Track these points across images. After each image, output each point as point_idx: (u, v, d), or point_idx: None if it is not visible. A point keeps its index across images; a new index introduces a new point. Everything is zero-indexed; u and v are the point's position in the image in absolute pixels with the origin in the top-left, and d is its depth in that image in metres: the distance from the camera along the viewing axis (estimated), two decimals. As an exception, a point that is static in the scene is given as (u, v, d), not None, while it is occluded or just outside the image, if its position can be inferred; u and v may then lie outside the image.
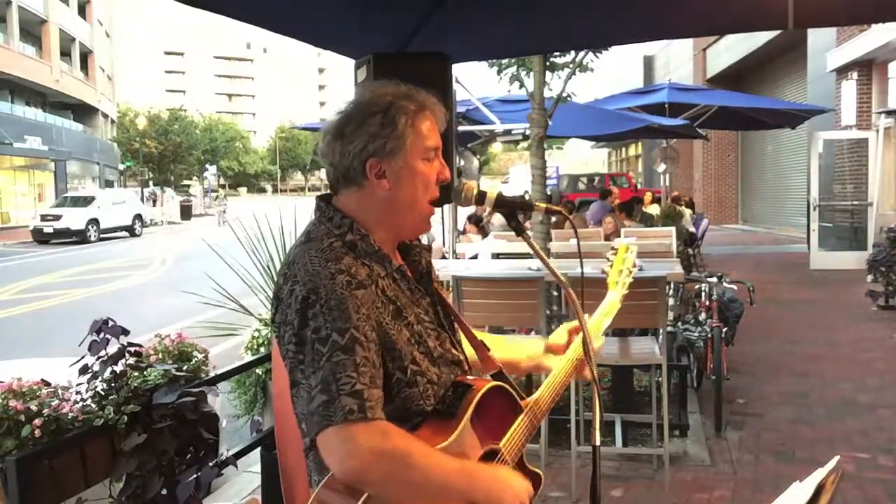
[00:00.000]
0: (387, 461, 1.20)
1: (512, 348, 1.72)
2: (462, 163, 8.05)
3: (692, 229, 11.27)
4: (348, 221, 1.39)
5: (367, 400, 1.20)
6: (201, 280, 5.03)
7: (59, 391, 2.34)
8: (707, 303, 5.19)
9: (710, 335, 4.93)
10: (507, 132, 8.18)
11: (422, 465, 1.23)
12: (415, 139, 1.39)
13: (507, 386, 1.50)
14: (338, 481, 1.24)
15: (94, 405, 2.33)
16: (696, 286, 5.55)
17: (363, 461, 1.19)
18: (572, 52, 6.05)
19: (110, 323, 2.42)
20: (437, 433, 1.34)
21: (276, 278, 1.37)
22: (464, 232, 9.73)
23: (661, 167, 12.38)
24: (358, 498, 1.23)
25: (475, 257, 6.65)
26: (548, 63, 5.99)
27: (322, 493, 1.28)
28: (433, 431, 1.34)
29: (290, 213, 4.37)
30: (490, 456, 1.41)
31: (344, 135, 1.38)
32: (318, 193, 1.50)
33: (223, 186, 62.78)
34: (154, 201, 37.71)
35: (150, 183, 45.22)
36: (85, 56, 40.25)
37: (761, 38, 16.99)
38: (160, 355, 2.66)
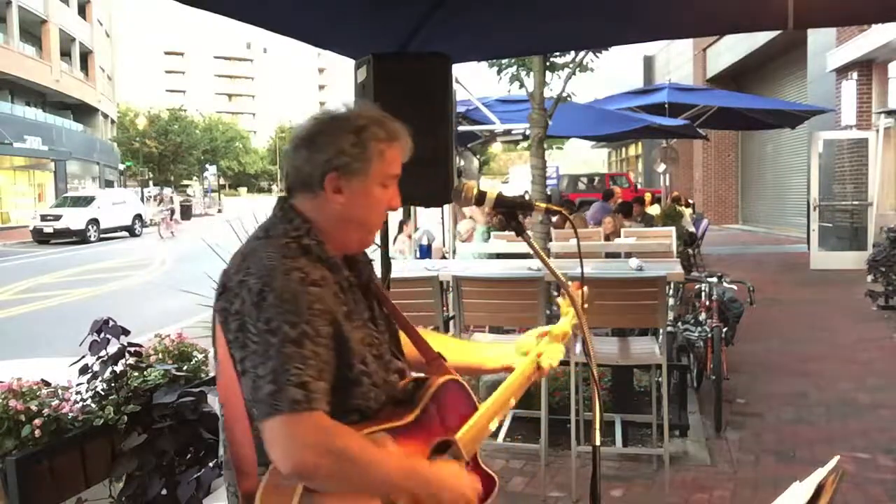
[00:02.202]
0: (329, 456, 1.22)
1: (477, 351, 1.78)
2: (462, 163, 8.06)
3: (692, 229, 11.27)
4: (307, 226, 1.43)
5: (312, 392, 1.24)
6: (201, 280, 5.02)
7: (59, 391, 2.34)
8: (707, 303, 5.19)
9: (710, 335, 4.92)
10: (507, 132, 8.18)
11: (363, 462, 1.26)
12: (378, 166, 1.44)
13: (465, 384, 1.57)
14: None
15: (94, 405, 2.33)
16: (696, 286, 5.55)
17: (307, 456, 1.21)
18: (572, 53, 6.04)
19: (110, 323, 2.43)
20: (396, 418, 1.41)
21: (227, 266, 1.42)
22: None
23: (661, 167, 12.39)
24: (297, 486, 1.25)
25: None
26: (548, 63, 5.99)
27: (271, 477, 1.29)
28: (391, 416, 1.41)
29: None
30: (444, 446, 1.46)
31: (314, 143, 1.43)
32: (281, 194, 1.55)
33: (223, 186, 62.68)
34: (162, 201, 37.41)
35: (150, 183, 45.13)
36: (85, 56, 40.22)
37: (761, 38, 16.98)
38: (160, 355, 2.66)
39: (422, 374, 1.58)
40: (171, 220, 26.00)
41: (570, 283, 1.84)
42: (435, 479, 1.36)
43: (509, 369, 1.72)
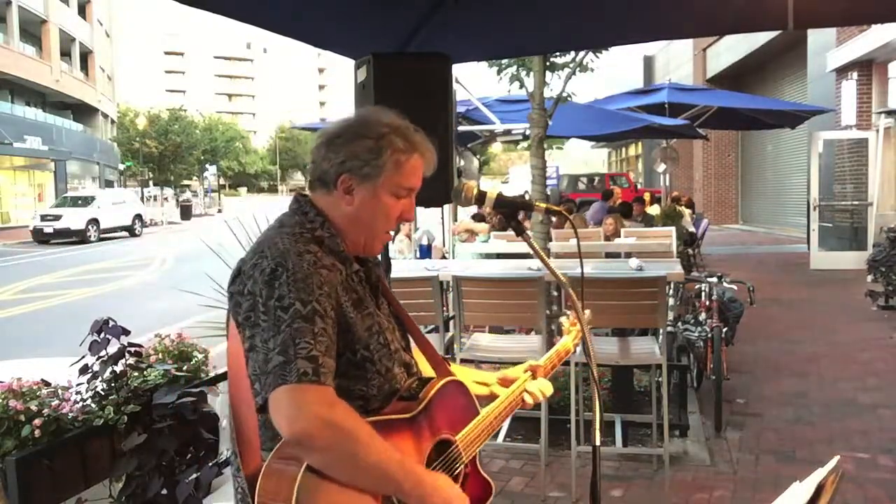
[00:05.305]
0: (332, 429, 1.23)
1: (465, 374, 1.79)
2: (462, 163, 8.05)
3: (692, 229, 11.27)
4: (321, 219, 1.47)
5: (321, 366, 1.26)
6: (201, 280, 5.02)
7: (59, 391, 2.34)
8: (707, 303, 5.19)
9: (710, 335, 4.92)
10: (507, 132, 8.18)
11: (364, 442, 1.26)
12: (392, 175, 1.46)
13: (467, 387, 1.60)
14: (286, 451, 1.27)
15: (94, 405, 2.33)
16: (696, 286, 5.55)
17: (311, 424, 1.22)
18: (572, 53, 6.04)
19: (110, 323, 2.43)
20: (401, 411, 1.44)
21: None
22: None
23: (661, 167, 12.38)
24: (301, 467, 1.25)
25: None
26: (548, 63, 5.98)
27: (272, 462, 1.29)
28: (396, 409, 1.44)
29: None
30: (444, 445, 1.49)
31: (333, 143, 1.47)
32: (299, 191, 1.58)
33: (223, 186, 62.60)
34: (176, 201, 37.24)
35: (150, 183, 45.11)
36: (85, 56, 40.20)
37: (761, 38, 16.98)
38: (160, 355, 2.66)
39: (427, 376, 1.59)
40: None
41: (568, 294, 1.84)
42: (429, 481, 1.36)
43: (493, 396, 1.73)
